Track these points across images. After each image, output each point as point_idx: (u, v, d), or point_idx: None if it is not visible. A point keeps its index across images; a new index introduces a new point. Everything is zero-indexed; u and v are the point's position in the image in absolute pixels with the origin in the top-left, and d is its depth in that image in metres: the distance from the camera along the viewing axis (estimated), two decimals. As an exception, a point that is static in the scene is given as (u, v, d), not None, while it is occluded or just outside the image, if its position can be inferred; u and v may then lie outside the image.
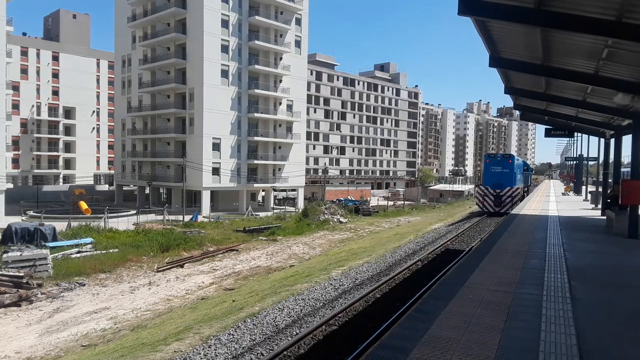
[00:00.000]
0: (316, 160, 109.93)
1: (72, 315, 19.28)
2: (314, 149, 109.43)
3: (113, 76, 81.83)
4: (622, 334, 7.71)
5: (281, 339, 12.40)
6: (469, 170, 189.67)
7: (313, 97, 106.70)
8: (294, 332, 12.77)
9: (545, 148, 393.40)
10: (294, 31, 68.08)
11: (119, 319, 18.57)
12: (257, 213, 58.19)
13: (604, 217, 23.61)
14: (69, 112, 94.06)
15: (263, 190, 70.33)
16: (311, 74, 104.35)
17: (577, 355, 6.75)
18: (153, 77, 65.10)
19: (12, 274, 22.48)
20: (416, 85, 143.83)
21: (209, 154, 58.89)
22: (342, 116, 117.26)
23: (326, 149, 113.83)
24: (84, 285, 23.87)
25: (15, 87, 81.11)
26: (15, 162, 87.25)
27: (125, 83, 71.03)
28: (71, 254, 29.30)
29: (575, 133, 37.22)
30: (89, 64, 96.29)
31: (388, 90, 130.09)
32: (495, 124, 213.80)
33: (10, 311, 19.64)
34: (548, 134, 28.48)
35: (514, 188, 40.54)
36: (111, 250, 30.58)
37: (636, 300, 9.78)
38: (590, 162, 49.02)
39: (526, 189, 52.96)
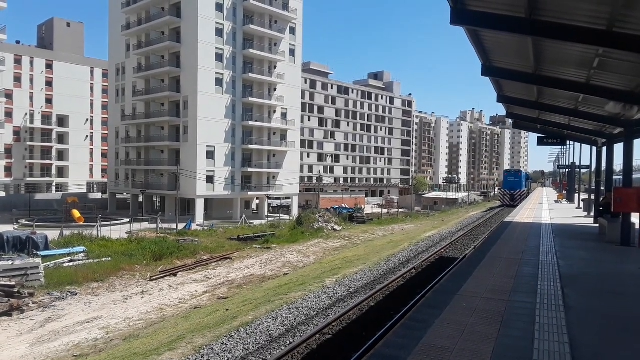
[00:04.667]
0: (310, 168, 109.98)
1: (63, 324, 19.10)
2: (308, 156, 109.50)
3: (107, 84, 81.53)
4: (615, 342, 7.72)
5: (275, 348, 12.34)
6: (463, 178, 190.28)
7: (307, 105, 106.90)
8: (288, 342, 12.71)
9: (538, 156, 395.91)
10: (288, 40, 68.31)
11: (111, 329, 18.41)
12: (251, 221, 58.01)
13: (597, 225, 23.72)
14: (62, 120, 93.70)
15: (257, 198, 70.20)
16: (305, 82, 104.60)
17: (571, 363, 6.75)
18: (147, 85, 65.05)
19: (3, 283, 22.25)
20: (410, 94, 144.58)
21: (203, 162, 58.78)
22: (337, 124, 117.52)
23: (320, 157, 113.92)
24: (76, 294, 23.67)
25: (9, 95, 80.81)
26: (8, 170, 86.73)
27: (120, 91, 70.91)
28: (63, 262, 29.07)
29: (568, 141, 37.47)
30: (83, 72, 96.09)
31: (382, 98, 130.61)
32: (488, 132, 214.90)
33: (1, 321, 19.42)
34: (541, 142, 28.62)
35: (522, 190, 68.80)
36: (104, 259, 30.36)
37: (629, 308, 9.81)
38: (583, 170, 49.28)
39: (528, 191, 79.50)
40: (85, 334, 17.88)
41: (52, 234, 36.74)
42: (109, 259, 30.64)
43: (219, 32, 59.79)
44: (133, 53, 66.26)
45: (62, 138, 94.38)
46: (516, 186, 68.26)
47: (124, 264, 29.58)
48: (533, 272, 12.81)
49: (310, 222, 50.61)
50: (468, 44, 13.20)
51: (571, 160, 58.18)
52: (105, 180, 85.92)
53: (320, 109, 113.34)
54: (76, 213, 52.33)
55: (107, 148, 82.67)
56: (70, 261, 29.59)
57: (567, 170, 62.56)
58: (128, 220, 50.21)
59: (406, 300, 15.95)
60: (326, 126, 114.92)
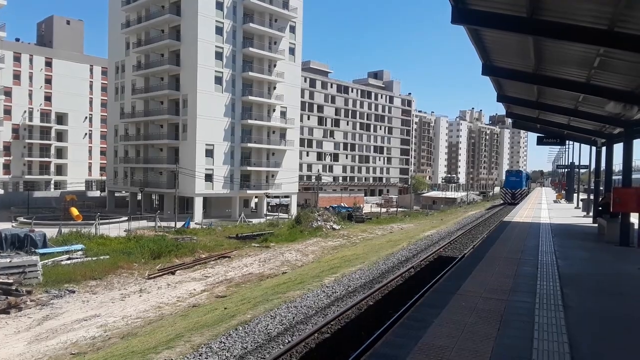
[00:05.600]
0: (309, 167, 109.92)
1: (61, 322, 19.05)
2: (307, 155, 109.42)
3: (106, 82, 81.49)
4: (614, 342, 7.70)
5: (273, 347, 12.32)
6: (462, 178, 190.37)
7: (307, 104, 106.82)
8: (286, 340, 12.69)
9: (537, 156, 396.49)
10: (288, 38, 68.26)
11: (109, 327, 18.37)
12: (250, 220, 57.98)
13: (596, 225, 23.71)
14: (61, 118, 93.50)
15: (256, 197, 70.17)
16: (305, 81, 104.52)
17: (570, 363, 6.73)
18: (146, 84, 64.95)
19: (1, 280, 22.20)
20: (409, 93, 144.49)
21: (202, 160, 58.73)
22: (336, 123, 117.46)
23: (319, 156, 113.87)
24: (74, 292, 23.61)
25: (8, 93, 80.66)
26: (7, 167, 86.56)
27: (119, 89, 70.82)
28: (61, 260, 29.02)
29: (567, 141, 37.46)
30: (82, 70, 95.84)
31: (381, 97, 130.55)
32: (488, 131, 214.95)
33: (-2, 319, 19.38)
34: (540, 142, 28.60)
35: (522, 189, 73.08)
36: (102, 257, 30.30)
37: (628, 307, 9.79)
38: (582, 170, 49.30)
39: (528, 190, 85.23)
40: (83, 332, 17.84)
41: (51, 232, 36.67)
42: (107, 257, 30.57)
43: (219, 31, 59.73)
44: (133, 51, 66.17)
45: (60, 136, 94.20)
46: (517, 185, 73.25)
47: (122, 262, 29.52)
48: (532, 272, 12.79)
49: (309, 220, 50.58)
50: (468, 43, 13.16)
51: (570, 160, 58.21)
52: (104, 178, 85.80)
53: (320, 108, 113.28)
54: (74, 211, 52.28)
55: (105, 146, 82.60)
56: (69, 259, 29.54)
57: (566, 170, 62.58)
58: (126, 218, 50.16)
59: (405, 299, 15.92)
60: (325, 125, 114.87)
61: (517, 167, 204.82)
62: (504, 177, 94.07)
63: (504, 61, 15.96)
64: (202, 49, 57.87)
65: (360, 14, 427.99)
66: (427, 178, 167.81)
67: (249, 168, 63.71)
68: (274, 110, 67.09)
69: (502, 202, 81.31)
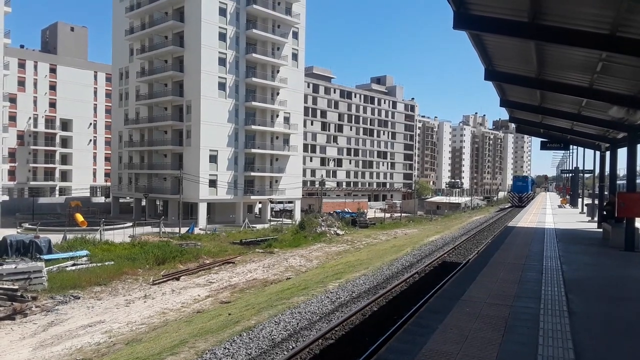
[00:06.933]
0: (313, 172, 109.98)
1: (66, 329, 19.09)
2: (310, 161, 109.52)
3: (110, 88, 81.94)
4: (619, 348, 7.67)
5: (277, 353, 12.31)
6: (466, 183, 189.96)
7: (310, 109, 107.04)
8: (290, 346, 12.68)
9: (541, 160, 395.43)
10: (291, 44, 68.51)
11: (113, 333, 18.39)
12: (254, 225, 58.00)
13: (600, 230, 23.63)
14: (65, 124, 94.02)
15: (260, 202, 70.24)
16: (308, 86, 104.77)
17: (575, 369, 6.70)
18: (150, 90, 65.27)
19: (6, 286, 22.26)
20: (412, 98, 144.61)
21: (205, 166, 58.89)
22: (339, 128, 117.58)
23: (323, 161, 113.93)
24: (79, 298, 23.67)
25: (12, 99, 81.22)
26: (12, 174, 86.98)
27: (123, 95, 71.19)
28: (66, 266, 29.10)
29: (571, 146, 37.38)
30: (87, 77, 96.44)
31: (384, 102, 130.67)
32: (491, 136, 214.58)
33: (4, 325, 19.42)
34: (544, 146, 28.57)
35: (528, 193, 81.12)
36: (107, 263, 30.38)
37: (633, 313, 9.75)
38: (586, 175, 49.16)
39: (534, 194, 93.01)
40: (88, 338, 17.87)
41: (55, 238, 36.79)
42: (112, 262, 30.65)
43: (222, 37, 60.03)
44: (136, 57, 66.53)
45: (65, 142, 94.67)
46: (524, 189, 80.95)
47: (126, 268, 29.57)
48: (536, 277, 12.75)
49: (312, 226, 50.55)
50: (471, 48, 13.18)
51: (574, 165, 58.04)
52: (109, 184, 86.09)
53: (323, 113, 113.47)
54: (79, 217, 52.45)
55: (110, 152, 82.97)
56: (73, 265, 29.62)
57: (570, 175, 62.40)
58: (131, 224, 50.30)
59: (409, 305, 15.89)
60: (329, 130, 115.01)
61: (521, 172, 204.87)
62: (508, 182, 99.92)
63: (507, 66, 15.98)
64: (206, 55, 58.15)
65: (362, 20, 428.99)
66: (431, 183, 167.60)
67: (252, 174, 63.82)
68: (277, 116, 67.27)
69: (508, 205, 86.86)
